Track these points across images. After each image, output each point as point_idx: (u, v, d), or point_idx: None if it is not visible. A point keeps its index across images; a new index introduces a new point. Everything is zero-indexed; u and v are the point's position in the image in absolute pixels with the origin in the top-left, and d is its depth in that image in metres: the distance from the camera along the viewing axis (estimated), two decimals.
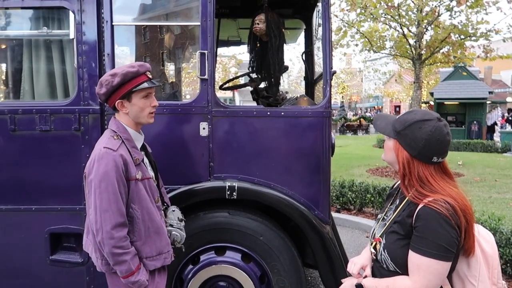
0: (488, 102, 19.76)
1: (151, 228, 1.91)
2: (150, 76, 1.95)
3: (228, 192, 2.57)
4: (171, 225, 2.08)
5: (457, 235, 1.33)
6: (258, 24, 3.07)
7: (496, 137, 18.40)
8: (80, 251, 2.59)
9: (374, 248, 1.55)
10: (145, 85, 1.91)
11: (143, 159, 1.99)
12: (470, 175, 9.34)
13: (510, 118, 19.82)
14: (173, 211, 2.14)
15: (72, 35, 2.58)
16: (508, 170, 10.11)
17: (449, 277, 1.45)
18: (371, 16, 9.34)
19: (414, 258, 1.37)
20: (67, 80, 2.77)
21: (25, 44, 2.76)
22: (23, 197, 2.61)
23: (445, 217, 1.32)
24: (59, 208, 2.60)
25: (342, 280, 1.70)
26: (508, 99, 33.99)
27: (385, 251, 1.48)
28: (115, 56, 2.61)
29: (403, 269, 1.43)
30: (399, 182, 1.66)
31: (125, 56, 3.55)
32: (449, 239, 1.32)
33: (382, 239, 1.51)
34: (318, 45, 3.63)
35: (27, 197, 2.61)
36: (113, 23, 2.58)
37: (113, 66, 2.59)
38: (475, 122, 18.17)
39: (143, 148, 2.07)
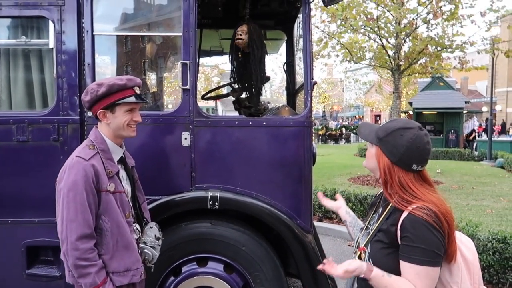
0: (464, 111, 20.31)
1: (120, 242, 1.86)
2: (138, 92, 1.94)
3: (210, 202, 2.56)
4: (145, 243, 2.01)
5: (443, 239, 1.36)
6: (240, 35, 3.09)
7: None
8: (58, 264, 2.52)
9: (359, 257, 1.55)
10: (132, 99, 1.91)
11: (118, 172, 1.95)
12: (448, 183, 9.54)
13: (485, 127, 20.40)
14: (151, 227, 2.07)
15: (51, 45, 2.55)
16: (484, 178, 10.37)
17: None
18: (351, 28, 9.52)
19: (409, 268, 1.37)
20: (46, 89, 2.73)
21: (3, 53, 2.71)
22: None
23: (431, 224, 1.35)
24: (36, 221, 2.53)
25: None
26: (484, 108, 35.03)
27: (370, 260, 1.49)
28: (95, 66, 2.59)
29: None
30: (381, 191, 1.69)
31: (106, 66, 3.52)
32: (438, 244, 1.35)
33: (367, 248, 1.52)
34: (299, 55, 3.68)
35: (3, 210, 2.54)
36: (94, 33, 2.57)
37: (93, 76, 2.57)
38: (452, 131, 18.62)
39: (122, 161, 2.03)
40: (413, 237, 1.37)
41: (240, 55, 3.30)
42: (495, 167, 12.66)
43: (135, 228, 1.99)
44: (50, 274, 2.56)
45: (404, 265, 1.39)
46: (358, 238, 1.63)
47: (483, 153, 14.92)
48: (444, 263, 1.44)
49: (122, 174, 2.01)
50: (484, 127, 22.22)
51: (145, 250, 1.97)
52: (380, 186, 1.56)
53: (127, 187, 2.02)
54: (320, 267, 1.50)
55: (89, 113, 2.41)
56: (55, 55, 2.54)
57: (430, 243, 1.35)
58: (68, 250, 1.75)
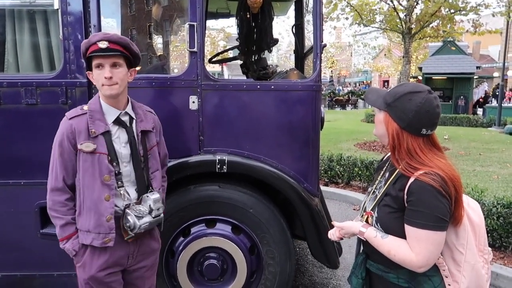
0: (475, 77, 19.92)
1: (85, 202, 1.89)
2: (103, 46, 1.81)
3: (218, 166, 2.59)
4: (132, 209, 1.91)
5: (449, 204, 1.37)
6: None
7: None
8: None
9: (366, 221, 1.56)
10: (94, 54, 1.82)
11: (107, 133, 1.89)
12: (455, 149, 9.51)
13: (496, 93, 20.05)
14: (147, 196, 1.97)
15: (56, 6, 2.50)
16: (492, 144, 10.32)
17: None
18: None
19: (412, 232, 1.39)
20: (53, 52, 2.71)
21: (8, 15, 2.67)
22: (11, 172, 2.59)
23: (437, 189, 1.35)
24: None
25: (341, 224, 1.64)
26: (495, 74, 34.28)
27: (378, 224, 1.50)
28: (101, 28, 2.55)
29: None
30: (388, 155, 1.68)
31: (111, 28, 3.46)
32: (442, 209, 1.35)
33: (374, 212, 1.52)
34: (308, 18, 3.59)
35: (16, 172, 2.59)
36: None
37: None
38: (462, 97, 18.37)
39: (120, 123, 1.94)
40: (417, 201, 1.38)
41: (249, 17, 3.22)
42: (503, 134, 12.56)
43: (122, 193, 1.93)
44: None
45: (407, 229, 1.41)
46: (364, 202, 1.65)
47: (492, 119, 14.76)
48: (450, 227, 1.46)
49: (121, 136, 1.95)
50: (492, 92, 21.86)
51: (128, 217, 1.90)
52: (387, 151, 1.56)
53: (123, 150, 1.94)
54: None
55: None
56: (61, 16, 2.50)
57: (434, 208, 1.35)
58: (47, 198, 1.93)
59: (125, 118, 1.97)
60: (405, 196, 1.42)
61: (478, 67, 18.92)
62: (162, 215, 2.02)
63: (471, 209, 1.52)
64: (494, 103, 18.65)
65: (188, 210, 2.66)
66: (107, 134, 1.90)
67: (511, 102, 23.95)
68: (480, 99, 20.40)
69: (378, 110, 1.53)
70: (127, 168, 1.96)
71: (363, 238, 1.53)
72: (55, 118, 2.54)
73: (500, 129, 13.40)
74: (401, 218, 1.43)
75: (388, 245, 1.45)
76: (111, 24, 3.54)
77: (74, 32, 2.51)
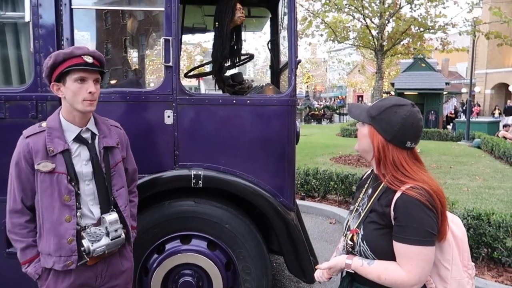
0: (445, 92, 20.63)
1: (45, 224, 1.81)
2: (89, 60, 1.80)
3: (194, 181, 2.57)
4: (87, 233, 1.83)
5: (436, 218, 1.36)
6: (243, 12, 3.03)
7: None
8: None
9: (351, 240, 1.52)
10: (76, 68, 1.77)
11: (66, 151, 1.81)
12: (427, 162, 9.77)
13: (464, 108, 20.82)
14: (103, 217, 1.88)
15: (27, 18, 2.45)
16: (461, 158, 10.67)
17: None
18: (335, 7, 9.46)
19: (402, 249, 1.36)
20: (23, 65, 2.64)
21: None
22: None
23: (424, 203, 1.34)
24: None
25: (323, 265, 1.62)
26: (463, 90, 35.66)
27: (364, 242, 1.46)
28: (74, 41, 2.51)
29: (383, 259, 1.43)
30: (367, 172, 1.68)
31: (85, 42, 3.42)
32: (431, 223, 1.34)
33: (360, 230, 1.49)
34: (283, 34, 3.64)
35: None
36: (72, 6, 2.48)
37: None
38: (432, 111, 18.94)
39: (82, 141, 1.87)
40: (406, 217, 1.35)
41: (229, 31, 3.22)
42: (472, 147, 13.01)
43: (84, 213, 1.85)
44: None
45: (396, 246, 1.38)
46: (348, 221, 1.61)
47: (462, 133, 15.28)
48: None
49: (82, 153, 1.87)
50: (459, 108, 22.76)
51: (82, 241, 1.82)
52: (364, 166, 1.56)
53: (85, 168, 1.86)
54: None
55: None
56: (32, 29, 2.45)
57: (422, 222, 1.34)
58: (6, 221, 1.85)
59: (87, 135, 1.89)
60: (392, 212, 1.39)
61: (447, 83, 19.62)
62: (122, 235, 1.91)
63: (455, 225, 1.51)
64: (463, 117, 19.34)
65: (162, 226, 2.62)
66: (66, 152, 1.82)
67: (479, 117, 24.91)
68: (450, 114, 21.11)
69: (361, 124, 1.53)
70: (89, 187, 1.88)
71: (351, 271, 1.49)
72: None
73: (469, 143, 13.89)
74: (388, 235, 1.41)
75: (376, 271, 1.42)
76: (85, 38, 3.49)
77: (45, 45, 2.46)
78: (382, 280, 1.40)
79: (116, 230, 1.88)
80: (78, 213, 1.83)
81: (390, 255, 1.40)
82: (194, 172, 2.57)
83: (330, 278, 1.62)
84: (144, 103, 2.58)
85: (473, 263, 1.55)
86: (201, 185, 2.57)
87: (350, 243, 1.53)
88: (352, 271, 1.49)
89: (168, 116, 2.56)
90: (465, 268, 1.49)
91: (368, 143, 1.49)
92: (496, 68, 38.99)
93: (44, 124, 1.85)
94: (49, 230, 1.80)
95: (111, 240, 1.86)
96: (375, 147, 1.46)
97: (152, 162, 2.59)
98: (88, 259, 1.82)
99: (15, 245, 1.85)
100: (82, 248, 1.81)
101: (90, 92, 1.80)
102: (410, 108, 1.44)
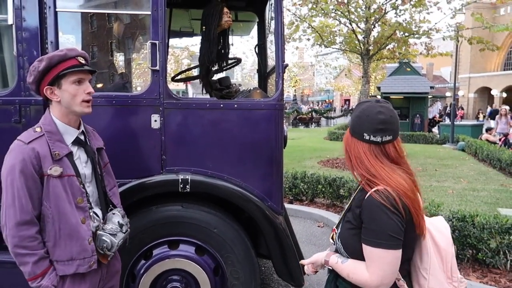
0: (429, 96, 20.96)
1: (62, 230, 1.75)
2: (83, 62, 1.81)
3: (181, 185, 2.55)
4: (104, 230, 1.87)
5: (401, 221, 1.35)
6: (230, 16, 3.04)
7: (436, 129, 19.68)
8: None
9: (332, 238, 1.59)
10: (73, 69, 1.77)
11: (69, 154, 1.80)
12: (413, 165, 9.78)
13: (448, 112, 21.17)
14: (113, 213, 1.94)
15: (10, 21, 2.40)
16: (446, 160, 10.83)
17: (408, 270, 1.49)
18: (322, 11, 9.55)
19: (366, 250, 1.39)
20: (6, 69, 2.60)
21: None
22: None
23: (386, 206, 1.34)
24: None
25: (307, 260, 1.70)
26: (447, 93, 36.31)
27: (339, 240, 1.51)
28: (59, 45, 2.48)
29: (355, 258, 1.46)
30: None
31: (70, 45, 3.38)
32: (394, 226, 1.34)
33: (338, 229, 1.55)
34: (271, 38, 3.66)
35: None
36: (57, 9, 2.44)
37: None
38: (417, 115, 19.22)
39: (80, 143, 1.88)
40: (368, 219, 1.38)
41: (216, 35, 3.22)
42: (456, 150, 13.22)
43: (91, 214, 1.86)
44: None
45: (363, 248, 1.40)
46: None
47: (446, 136, 15.52)
48: (417, 247, 1.46)
49: (81, 156, 1.88)
50: (443, 111, 23.19)
51: (103, 238, 1.83)
52: (349, 169, 1.58)
53: (86, 170, 1.88)
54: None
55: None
56: (15, 32, 2.41)
57: (384, 226, 1.34)
58: (8, 237, 1.69)
59: (82, 137, 1.91)
60: (361, 213, 1.42)
61: (432, 87, 19.95)
62: (129, 230, 1.99)
63: (439, 233, 1.49)
64: (447, 121, 19.67)
65: (150, 232, 2.59)
66: (70, 155, 1.81)
67: (462, 120, 25.36)
68: (436, 118, 21.44)
69: None
70: (90, 188, 1.91)
71: (329, 267, 1.57)
72: (7, 137, 2.43)
73: (453, 146, 14.12)
74: (359, 236, 1.43)
75: (347, 269, 1.46)
76: (70, 41, 3.45)
77: (29, 49, 2.42)
78: (350, 278, 1.45)
79: (127, 223, 1.96)
80: (90, 213, 1.86)
81: (360, 255, 1.43)
82: (182, 177, 2.55)
83: (316, 271, 1.69)
84: (130, 107, 2.55)
85: (461, 276, 1.51)
86: (188, 190, 2.55)
87: (331, 241, 1.61)
88: (330, 267, 1.56)
89: (155, 120, 2.54)
90: (449, 280, 1.45)
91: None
92: (479, 73, 39.86)
93: (38, 129, 1.78)
94: (68, 235, 1.76)
95: (124, 233, 1.93)
96: (344, 143, 1.54)
97: (139, 167, 2.56)
98: (112, 253, 1.87)
99: (22, 260, 1.70)
100: (104, 245, 1.83)
101: (88, 93, 1.82)
102: (371, 103, 1.48)
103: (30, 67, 1.79)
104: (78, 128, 1.89)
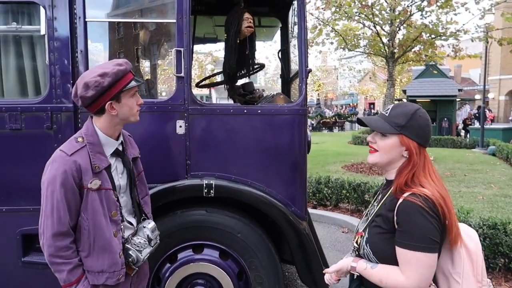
0: (457, 99, 20.41)
1: (96, 242, 1.77)
2: (134, 74, 1.85)
3: (206, 190, 2.57)
4: (132, 242, 1.90)
5: (438, 225, 1.35)
6: (251, 22, 3.07)
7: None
8: None
9: (357, 242, 1.55)
10: (133, 83, 1.81)
11: (108, 167, 1.82)
12: (441, 170, 9.63)
13: (477, 114, 20.54)
14: (144, 227, 1.96)
15: (43, 31, 2.51)
16: (476, 165, 10.49)
17: (434, 275, 1.46)
18: (346, 15, 9.46)
19: (402, 254, 1.37)
20: (38, 77, 2.70)
21: None
22: None
23: (425, 209, 1.34)
24: (31, 209, 2.52)
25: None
26: (477, 96, 35.23)
27: (367, 245, 1.48)
28: (88, 53, 2.56)
29: (384, 263, 1.44)
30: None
31: (98, 53, 3.48)
32: (432, 229, 1.34)
33: (365, 233, 1.52)
34: (294, 43, 3.66)
35: None
36: (86, 19, 2.53)
37: (86, 63, 2.54)
38: (445, 118, 18.73)
39: (118, 154, 1.90)
40: (405, 222, 1.36)
41: (238, 42, 3.26)
42: (487, 155, 12.80)
43: (122, 227, 1.87)
44: (45, 261, 2.57)
45: (398, 251, 1.38)
46: (358, 226, 1.65)
47: (476, 140, 15.06)
48: (446, 254, 1.44)
49: (118, 167, 1.90)
50: (474, 114, 22.52)
51: (129, 252, 1.86)
52: (376, 174, 1.56)
53: (121, 181, 1.90)
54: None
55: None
56: (47, 41, 2.51)
57: (422, 228, 1.34)
58: (44, 245, 1.73)
59: (120, 147, 1.93)
60: (395, 217, 1.40)
61: (460, 90, 19.41)
62: (158, 241, 2.03)
63: (467, 236, 1.49)
64: (477, 124, 19.09)
65: (175, 236, 2.62)
66: (108, 167, 1.83)
67: (493, 124, 24.55)
68: (467, 121, 20.86)
69: (381, 136, 1.50)
70: (124, 199, 1.93)
71: (356, 273, 1.52)
72: (40, 143, 2.53)
73: (483, 150, 13.67)
74: (390, 240, 1.42)
75: (378, 274, 1.43)
76: (98, 49, 3.56)
77: (60, 58, 2.52)
78: (383, 283, 1.42)
79: (156, 237, 1.98)
80: (122, 226, 1.87)
81: (391, 259, 1.42)
82: (206, 182, 2.58)
83: (339, 280, 1.65)
84: (156, 114, 2.60)
85: (489, 280, 1.51)
86: (212, 195, 2.58)
87: (356, 245, 1.57)
88: (358, 274, 1.52)
89: (180, 126, 2.58)
90: (479, 284, 1.45)
91: (398, 153, 1.48)
92: (510, 74, 38.45)
93: (80, 139, 1.78)
94: (102, 247, 1.77)
95: (152, 247, 1.95)
96: (414, 154, 1.46)
97: (164, 172, 2.61)
98: (137, 268, 1.89)
99: (58, 269, 1.74)
100: (130, 259, 1.85)
101: (139, 104, 1.89)
102: (422, 110, 1.51)
103: (87, 82, 1.71)
104: (117, 139, 1.90)
